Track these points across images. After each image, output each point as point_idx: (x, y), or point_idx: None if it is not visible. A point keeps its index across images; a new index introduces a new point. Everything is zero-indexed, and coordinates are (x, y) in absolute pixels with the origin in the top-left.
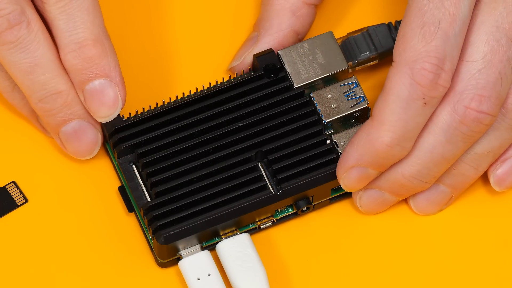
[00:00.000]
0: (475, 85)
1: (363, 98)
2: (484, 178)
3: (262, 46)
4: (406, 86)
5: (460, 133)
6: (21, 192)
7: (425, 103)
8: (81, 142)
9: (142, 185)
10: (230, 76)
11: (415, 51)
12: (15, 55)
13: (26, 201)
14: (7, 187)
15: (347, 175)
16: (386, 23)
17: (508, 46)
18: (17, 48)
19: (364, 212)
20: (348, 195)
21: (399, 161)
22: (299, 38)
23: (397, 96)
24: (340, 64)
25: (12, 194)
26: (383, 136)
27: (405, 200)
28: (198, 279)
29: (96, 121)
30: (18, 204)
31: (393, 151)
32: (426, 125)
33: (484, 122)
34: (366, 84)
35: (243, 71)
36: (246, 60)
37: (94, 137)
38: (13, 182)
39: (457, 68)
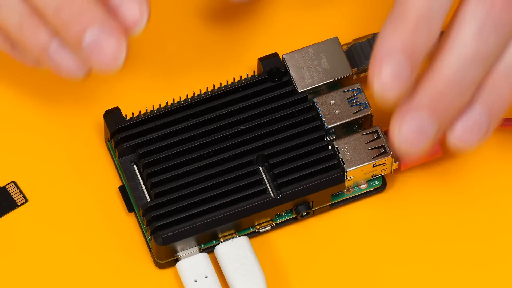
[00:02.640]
0: None
1: (366, 105)
2: (482, 179)
3: None
4: None
5: (491, 23)
6: (21, 192)
7: None
8: (105, 51)
9: (143, 185)
10: (234, 79)
11: None
12: None
13: (26, 201)
14: (7, 187)
15: (380, 69)
16: None
17: None
18: None
19: (403, 151)
20: (348, 201)
21: (434, 65)
22: None
23: None
24: (344, 70)
25: (12, 194)
26: (407, 16)
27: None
28: (195, 281)
29: (119, 26)
30: (18, 204)
31: (421, 32)
32: (455, 17)
33: None
34: (370, 91)
35: (247, 73)
36: None
37: (117, 43)
38: (13, 182)
39: None
